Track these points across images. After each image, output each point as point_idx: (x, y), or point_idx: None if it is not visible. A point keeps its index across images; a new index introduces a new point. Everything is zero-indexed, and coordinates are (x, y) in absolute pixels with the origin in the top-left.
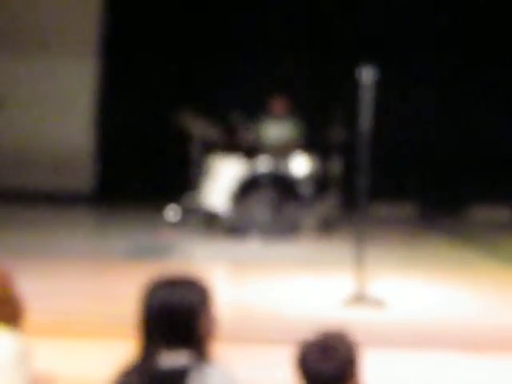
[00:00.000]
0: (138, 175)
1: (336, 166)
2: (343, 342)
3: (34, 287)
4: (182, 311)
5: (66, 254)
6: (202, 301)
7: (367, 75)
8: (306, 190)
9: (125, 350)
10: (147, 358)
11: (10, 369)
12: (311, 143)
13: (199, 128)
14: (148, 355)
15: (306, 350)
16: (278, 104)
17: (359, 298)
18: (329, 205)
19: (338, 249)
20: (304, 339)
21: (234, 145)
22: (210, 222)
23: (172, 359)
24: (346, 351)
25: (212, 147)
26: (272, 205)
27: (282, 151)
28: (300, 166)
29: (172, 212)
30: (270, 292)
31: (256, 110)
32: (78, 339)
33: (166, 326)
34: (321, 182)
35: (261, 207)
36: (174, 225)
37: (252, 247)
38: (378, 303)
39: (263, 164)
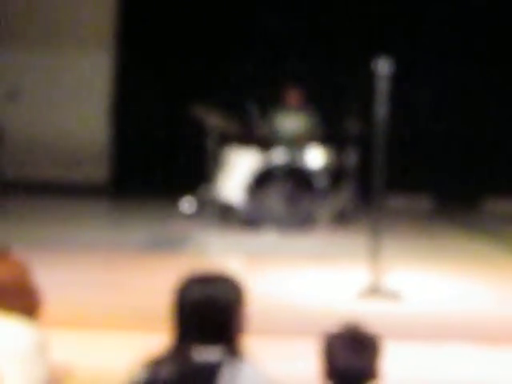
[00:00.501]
0: (153, 167)
1: (351, 158)
2: (369, 337)
3: (50, 279)
4: (218, 307)
5: (82, 246)
6: (237, 298)
7: (383, 66)
8: (321, 182)
9: (142, 341)
10: (179, 351)
11: (27, 360)
12: (326, 135)
13: (214, 120)
14: (180, 348)
15: (334, 344)
16: (293, 96)
17: (375, 291)
18: (344, 197)
19: (353, 241)
20: (328, 332)
21: (249, 137)
22: (225, 214)
23: (205, 354)
24: (372, 345)
25: (227, 139)
26: (287, 197)
27: (297, 143)
28: (315, 157)
29: (187, 204)
30: (284, 284)
31: (271, 102)
32: (95, 331)
33: (201, 321)
34: (336, 174)
35: (276, 199)
36: (189, 217)
37: (267, 239)
38: (393, 295)
39: (278, 156)
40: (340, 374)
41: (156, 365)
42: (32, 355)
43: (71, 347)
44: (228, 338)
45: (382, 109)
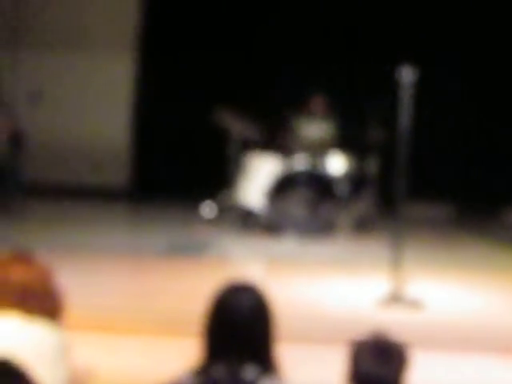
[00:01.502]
0: (174, 171)
1: (373, 166)
2: (397, 346)
3: (72, 282)
4: (254, 321)
5: (104, 250)
6: (269, 310)
7: (406, 75)
8: (342, 189)
9: (163, 346)
10: (209, 367)
11: (50, 363)
12: (348, 142)
13: (237, 125)
14: (210, 364)
15: (361, 351)
16: (317, 103)
17: (395, 299)
18: (365, 204)
19: (374, 249)
20: (356, 339)
21: (271, 143)
22: (246, 220)
23: (238, 372)
24: (400, 355)
25: (249, 144)
26: (308, 203)
27: (319, 150)
28: (337, 164)
29: (208, 209)
30: (304, 291)
31: (294, 109)
32: (117, 334)
33: (236, 336)
34: (357, 181)
35: (297, 205)
36: (210, 222)
37: (288, 245)
38: (414, 304)
39: (300, 162)
40: (365, 380)
41: (189, 380)
42: (55, 358)
43: (93, 350)
44: (261, 353)
45: (404, 117)
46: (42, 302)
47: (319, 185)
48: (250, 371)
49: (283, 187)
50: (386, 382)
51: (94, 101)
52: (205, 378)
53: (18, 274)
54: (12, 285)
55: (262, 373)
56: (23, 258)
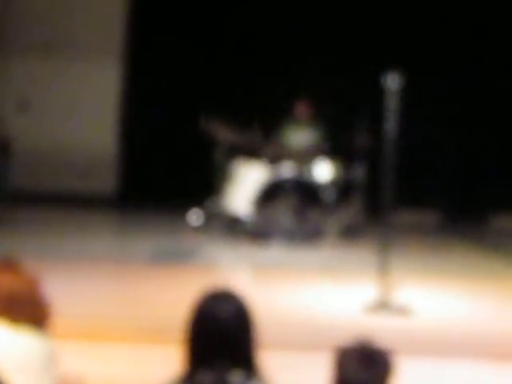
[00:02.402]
0: (161, 179)
1: (359, 172)
2: (382, 352)
3: (59, 290)
4: (236, 327)
5: (90, 257)
6: (250, 317)
7: (392, 81)
8: (329, 196)
9: (150, 353)
10: (195, 374)
11: (37, 371)
12: (335, 149)
13: (223, 133)
14: (195, 371)
15: (346, 358)
16: (302, 109)
17: (383, 306)
18: (352, 211)
19: (361, 255)
20: (341, 346)
21: (257, 150)
22: (233, 227)
23: (225, 377)
24: (384, 361)
25: (236, 152)
26: (295, 210)
27: (306, 157)
28: (323, 171)
29: (195, 216)
30: (292, 298)
31: (280, 116)
32: (103, 342)
33: (218, 342)
34: (344, 188)
35: (284, 213)
36: (197, 229)
37: (275, 253)
38: (401, 311)
39: (287, 169)
40: None
41: None
42: (42, 366)
43: (80, 358)
44: (245, 358)
45: (391, 123)
46: (29, 310)
47: (306, 192)
48: (236, 376)
49: (270, 194)
50: None
51: (81, 108)
52: None
53: (5, 282)
54: None
55: (247, 378)
56: (10, 266)
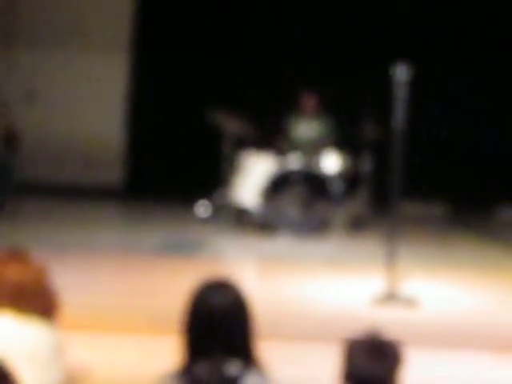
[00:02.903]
0: (169, 170)
1: (367, 164)
2: (391, 344)
3: (66, 281)
4: (232, 317)
5: (97, 248)
6: (246, 306)
7: (401, 73)
8: (336, 188)
9: (157, 344)
10: (193, 365)
11: (44, 361)
12: (342, 141)
13: (231, 124)
14: (193, 362)
15: (355, 350)
16: (310, 102)
17: (390, 297)
18: (359, 203)
19: (368, 247)
20: (350, 337)
21: (265, 141)
22: (241, 219)
23: (222, 368)
24: (394, 353)
25: (244, 144)
26: (303, 202)
27: (314, 148)
28: (331, 163)
29: (203, 208)
30: (299, 289)
31: (287, 108)
32: (110, 333)
33: (215, 332)
34: (351, 180)
35: (291, 204)
36: (205, 221)
37: (282, 244)
38: (409, 302)
39: (294, 161)
40: (358, 378)
41: (173, 380)
42: (49, 356)
43: (87, 349)
44: (244, 349)
45: (399, 115)
46: (36, 301)
47: (313, 183)
48: (233, 367)
49: (278, 186)
50: (380, 381)
51: (87, 100)
52: (189, 377)
53: (12, 273)
54: (7, 284)
55: (245, 368)
56: (18, 257)
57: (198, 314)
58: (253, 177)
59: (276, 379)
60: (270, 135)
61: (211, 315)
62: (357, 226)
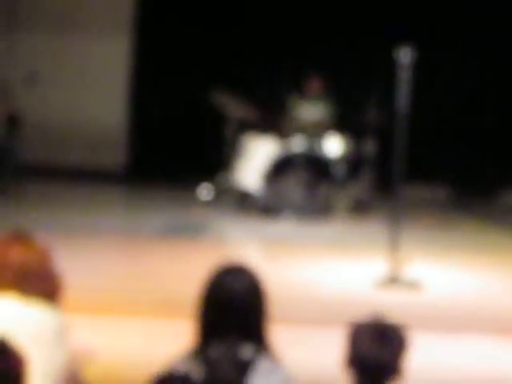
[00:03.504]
0: (171, 153)
1: (370, 147)
2: (396, 328)
3: (68, 264)
4: (249, 302)
5: (101, 232)
6: (263, 292)
7: (405, 55)
8: (339, 171)
9: (160, 327)
10: (206, 348)
11: (48, 344)
12: (346, 124)
13: (234, 107)
14: (207, 345)
15: (360, 335)
16: (314, 84)
17: (393, 281)
18: (362, 186)
19: (371, 230)
20: (355, 321)
21: (268, 124)
22: (243, 202)
23: (236, 351)
24: (399, 337)
25: (246, 126)
26: (305, 185)
27: (316, 131)
28: (334, 146)
29: (205, 191)
30: (302, 273)
31: (291, 90)
32: (114, 316)
33: (231, 317)
34: (354, 163)
35: (294, 187)
36: (207, 204)
37: (285, 227)
38: (412, 286)
39: (297, 144)
40: (363, 363)
41: (182, 364)
42: (53, 339)
43: (90, 332)
44: (257, 334)
45: (403, 98)
46: (40, 283)
47: (316, 167)
48: (247, 350)
49: (280, 169)
50: (385, 365)
51: (90, 82)
52: (202, 359)
53: (16, 255)
54: (10, 266)
55: (258, 352)
56: (22, 239)
57: (214, 299)
58: (255, 160)
59: (286, 364)
60: (273, 118)
61: (228, 300)
62: (359, 209)
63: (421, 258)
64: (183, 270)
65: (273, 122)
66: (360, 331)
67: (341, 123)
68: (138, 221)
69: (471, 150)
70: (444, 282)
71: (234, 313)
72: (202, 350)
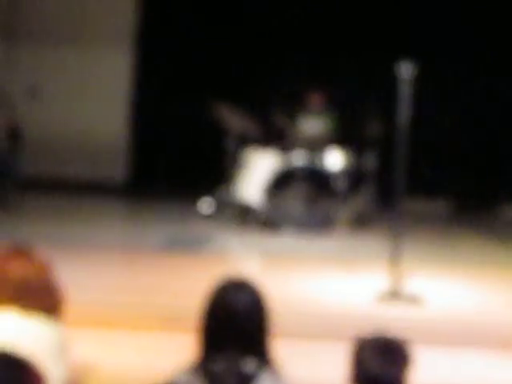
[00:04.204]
0: (172, 167)
1: (371, 161)
2: (400, 343)
3: (69, 277)
4: (251, 317)
5: (101, 245)
6: (265, 307)
7: (406, 70)
8: (340, 185)
9: (161, 341)
10: (208, 362)
11: (49, 359)
12: (346, 138)
13: (235, 121)
14: (209, 359)
15: (364, 351)
16: (315, 98)
17: (394, 295)
18: (363, 199)
19: (372, 244)
20: (358, 339)
21: (269, 138)
22: (244, 215)
23: (238, 365)
24: (403, 353)
25: (247, 140)
26: (306, 199)
27: (318, 145)
28: (335, 160)
29: (206, 204)
30: (303, 287)
31: (293, 104)
32: (115, 330)
33: (233, 331)
34: (355, 177)
35: (295, 201)
36: (208, 217)
37: (286, 241)
38: (413, 300)
39: (298, 158)
40: (367, 379)
41: (184, 377)
42: (54, 353)
43: (91, 346)
44: (260, 348)
45: (403, 112)
46: (41, 297)
47: (317, 180)
48: (249, 364)
49: (281, 183)
50: (389, 380)
51: (91, 95)
52: (205, 373)
53: (16, 269)
54: (11, 279)
55: (260, 366)
56: (22, 252)
57: (217, 313)
58: (256, 174)
59: (288, 378)
60: (273, 132)
61: (231, 314)
62: (361, 222)
63: (422, 272)
64: (184, 284)
65: (274, 135)
66: (364, 347)
67: (342, 137)
68: (138, 234)
69: (472, 163)
70: (445, 296)
71: (235, 327)
72: (204, 364)
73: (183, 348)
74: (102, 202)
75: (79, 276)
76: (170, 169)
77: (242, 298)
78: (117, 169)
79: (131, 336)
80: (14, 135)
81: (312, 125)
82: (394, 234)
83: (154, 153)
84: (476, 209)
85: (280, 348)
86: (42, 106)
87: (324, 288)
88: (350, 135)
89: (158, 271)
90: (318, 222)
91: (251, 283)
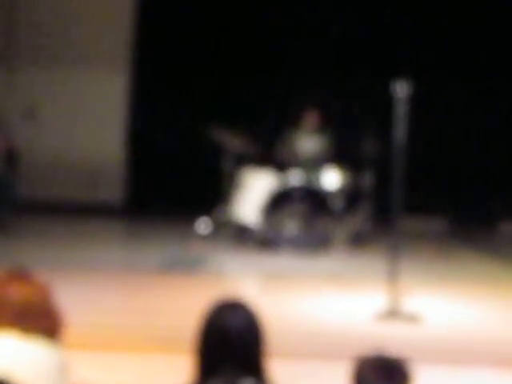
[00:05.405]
0: (169, 188)
1: (368, 180)
2: (400, 363)
3: (67, 300)
4: (246, 337)
5: (99, 267)
6: (260, 327)
7: (401, 89)
8: (337, 204)
9: (159, 363)
10: (206, 383)
11: (50, 381)
12: (343, 156)
13: (231, 141)
14: (206, 380)
15: (365, 370)
16: (311, 118)
17: (393, 313)
18: (360, 218)
19: (369, 263)
20: (358, 358)
21: (266, 158)
22: (242, 235)
23: None
24: (403, 372)
25: (244, 160)
26: (303, 218)
27: (314, 165)
28: (331, 179)
29: (203, 225)
30: (301, 306)
31: (289, 124)
32: (113, 352)
33: (228, 352)
34: (352, 196)
35: (292, 221)
36: (205, 238)
37: (283, 261)
38: (411, 318)
39: (295, 178)
40: None
41: None
42: (53, 377)
43: (90, 368)
44: (256, 369)
45: (399, 131)
46: (40, 320)
47: (314, 200)
48: None
49: (278, 202)
50: None
51: (89, 118)
52: None
53: (16, 292)
54: (10, 303)
55: None
56: (21, 275)
57: (211, 334)
58: (253, 193)
59: None
60: (270, 152)
61: (225, 335)
62: (358, 241)
63: (420, 290)
64: (181, 305)
65: (270, 155)
66: (364, 366)
67: (338, 156)
68: (136, 255)
69: (470, 181)
70: (444, 314)
71: (232, 348)
72: None
73: (181, 369)
74: (100, 225)
75: (77, 298)
76: (168, 190)
77: (235, 319)
78: (114, 190)
79: (130, 358)
80: (11, 158)
81: (308, 144)
82: (392, 252)
83: (150, 174)
84: (474, 226)
85: (279, 368)
86: (39, 128)
87: (322, 307)
88: (347, 154)
89: (156, 293)
90: (315, 242)
91: (245, 304)
